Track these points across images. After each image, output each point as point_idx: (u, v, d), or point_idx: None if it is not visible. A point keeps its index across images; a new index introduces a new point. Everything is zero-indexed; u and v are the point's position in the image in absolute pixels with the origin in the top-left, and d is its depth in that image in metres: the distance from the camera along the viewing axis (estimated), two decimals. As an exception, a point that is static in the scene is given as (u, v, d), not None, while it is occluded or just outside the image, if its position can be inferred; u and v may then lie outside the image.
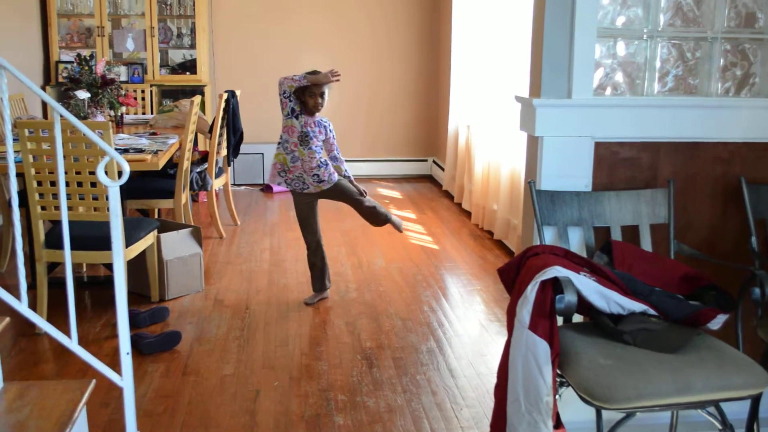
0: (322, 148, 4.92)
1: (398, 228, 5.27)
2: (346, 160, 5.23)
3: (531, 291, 2.70)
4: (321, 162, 4.89)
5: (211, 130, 6.58)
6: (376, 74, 9.38)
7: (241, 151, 7.01)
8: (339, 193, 5.02)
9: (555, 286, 2.69)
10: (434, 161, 9.58)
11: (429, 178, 9.58)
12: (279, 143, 4.93)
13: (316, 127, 4.89)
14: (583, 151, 3.36)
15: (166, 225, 5.32)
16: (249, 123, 8.64)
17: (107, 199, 3.00)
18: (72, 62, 7.47)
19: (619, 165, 3.44)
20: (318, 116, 4.92)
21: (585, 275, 2.76)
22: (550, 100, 3.34)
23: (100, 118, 6.04)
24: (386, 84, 9.43)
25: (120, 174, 2.86)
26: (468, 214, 7.52)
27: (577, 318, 3.12)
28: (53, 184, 4.26)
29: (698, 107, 3.47)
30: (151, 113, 7.97)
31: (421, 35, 9.42)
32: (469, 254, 6.23)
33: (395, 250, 6.32)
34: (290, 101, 4.83)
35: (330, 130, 5.00)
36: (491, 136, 6.68)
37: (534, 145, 3.42)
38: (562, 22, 3.33)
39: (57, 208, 4.25)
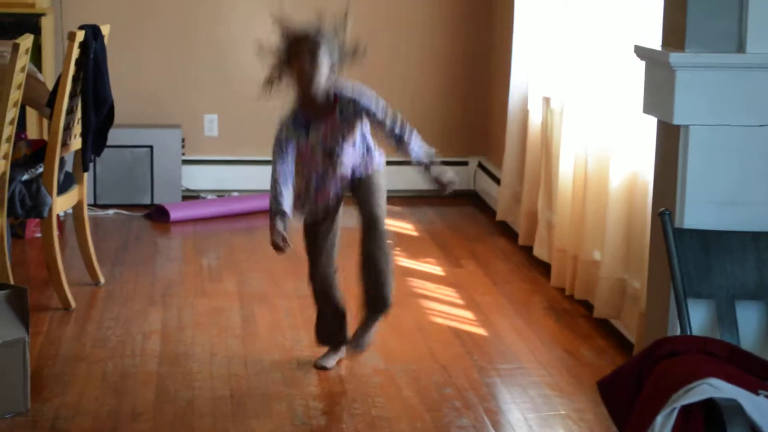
0: (361, 142, 5.48)
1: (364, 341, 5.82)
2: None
3: (664, 424, 2.70)
4: (363, 152, 5.52)
5: (52, 102, 6.60)
6: (379, 14, 9.40)
7: (109, 143, 7.02)
8: (367, 193, 5.58)
9: (709, 414, 2.68)
10: (482, 165, 9.63)
11: (471, 198, 9.63)
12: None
13: (341, 126, 5.38)
14: (768, 155, 3.37)
15: (-39, 283, 5.32)
16: (126, 90, 8.66)
17: None
18: None
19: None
20: (332, 97, 5.34)
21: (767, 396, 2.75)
22: (703, 55, 3.35)
23: None
24: (397, 29, 9.48)
25: None
26: (545, 268, 7.54)
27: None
28: None
29: None
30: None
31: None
32: (546, 347, 6.23)
33: (404, 336, 6.33)
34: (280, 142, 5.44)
35: (357, 112, 5.36)
36: (591, 118, 6.70)
37: (672, 142, 3.43)
38: None
39: None
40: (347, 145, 5.32)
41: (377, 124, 5.37)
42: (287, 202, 5.41)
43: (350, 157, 5.41)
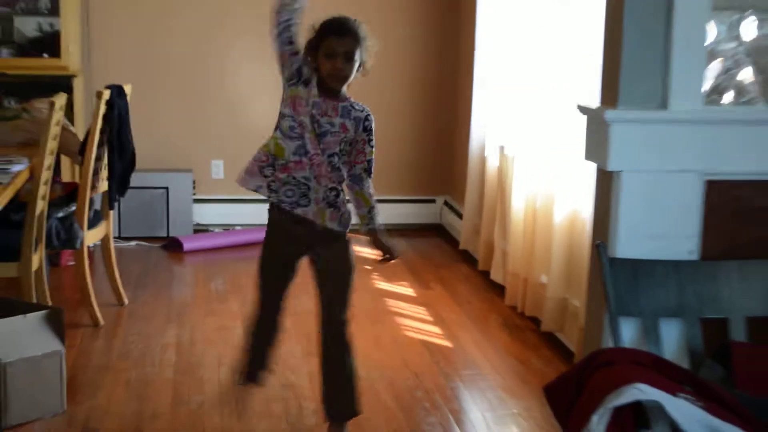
0: (343, 161, 4.70)
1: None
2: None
3: (598, 423, 2.72)
4: (340, 180, 4.70)
5: (82, 151, 6.60)
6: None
7: (131, 185, 7.02)
8: (339, 258, 4.83)
9: (637, 415, 2.71)
10: (447, 203, 9.64)
11: (438, 230, 9.63)
12: (275, 128, 4.69)
13: (337, 117, 4.61)
14: (687, 196, 3.40)
15: (6, 304, 5.31)
16: (145, 139, 8.67)
17: None
18: None
19: (746, 219, 3.47)
20: (347, 100, 4.67)
21: (686, 398, 2.77)
22: (633, 112, 3.38)
23: None
24: (371, 85, 9.47)
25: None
26: (500, 289, 7.54)
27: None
28: None
29: None
30: (-15, 120, 7.99)
31: (429, 18, 9.53)
32: (501, 356, 6.24)
33: (381, 348, 6.33)
34: (296, 57, 4.56)
35: (365, 128, 4.69)
36: (539, 164, 6.72)
37: (607, 184, 3.45)
38: (653, -14, 3.38)
39: None
40: (331, 136, 4.53)
41: (359, 151, 4.66)
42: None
43: (332, 153, 4.58)
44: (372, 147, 4.71)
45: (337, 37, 4.41)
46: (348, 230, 4.76)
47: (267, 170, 4.63)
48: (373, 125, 4.70)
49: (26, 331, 5.16)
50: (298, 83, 4.56)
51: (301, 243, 4.77)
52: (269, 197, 4.68)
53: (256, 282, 4.97)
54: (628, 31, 3.38)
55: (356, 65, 4.48)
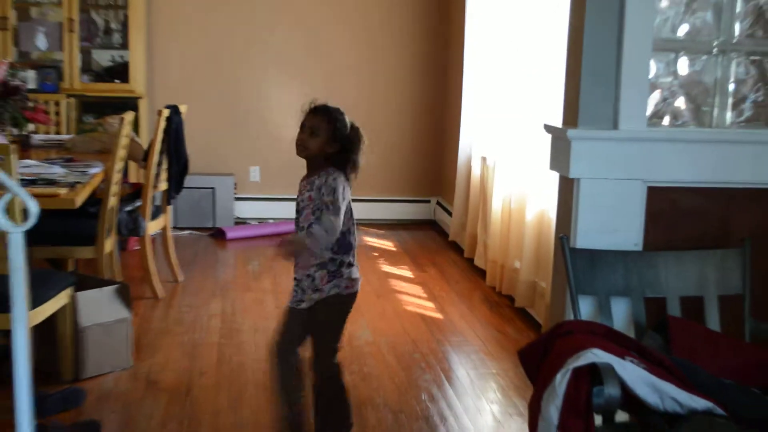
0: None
1: None
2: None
3: (561, 381, 2.72)
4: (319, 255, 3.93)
5: (146, 158, 6.61)
6: (362, 93, 9.43)
7: (185, 185, 7.03)
8: (322, 323, 4.05)
9: (592, 375, 2.71)
10: (439, 203, 9.63)
11: (432, 225, 9.62)
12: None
13: (306, 191, 3.99)
14: (633, 199, 3.40)
15: (85, 281, 5.32)
16: (196, 149, 8.68)
17: (7, 246, 3.02)
18: (-34, 64, 7.51)
19: (680, 217, 3.48)
20: (321, 175, 3.94)
21: (632, 361, 2.78)
22: (590, 131, 3.39)
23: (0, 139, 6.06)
24: (377, 104, 9.49)
25: (25, 215, 2.88)
26: (482, 273, 7.54)
27: (621, 417, 3.14)
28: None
29: (783, 144, 3.52)
30: (68, 133, 7.99)
31: (425, 46, 9.51)
32: (483, 326, 6.24)
33: (385, 319, 6.33)
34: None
35: (318, 187, 3.91)
36: (514, 173, 6.72)
37: (568, 189, 3.46)
38: (608, 30, 3.38)
39: (-59, 256, 4.26)
40: (305, 211, 3.92)
41: (312, 207, 3.89)
42: None
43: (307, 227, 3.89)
44: (325, 202, 3.86)
45: (309, 114, 3.91)
46: (327, 294, 3.99)
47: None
48: (332, 185, 3.88)
49: (100, 302, 5.17)
50: None
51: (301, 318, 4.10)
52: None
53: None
54: (586, 65, 3.38)
55: (320, 141, 3.86)
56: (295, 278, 3.99)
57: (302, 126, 3.91)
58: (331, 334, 4.07)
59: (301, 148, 3.88)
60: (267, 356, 4.17)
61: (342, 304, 4.02)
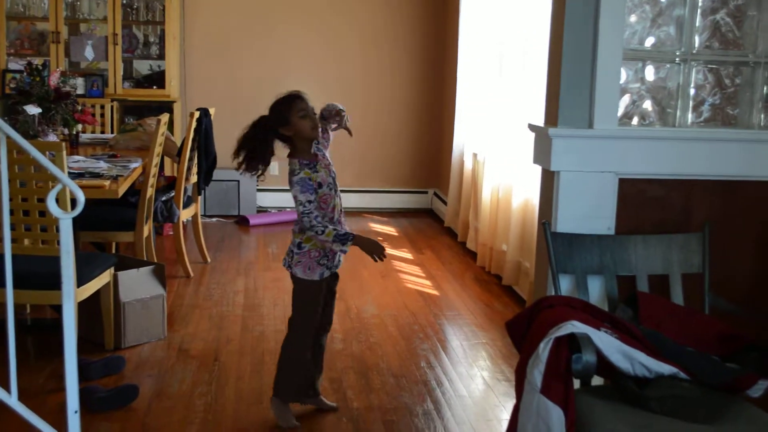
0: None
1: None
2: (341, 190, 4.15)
3: (543, 349, 2.71)
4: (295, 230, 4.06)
5: (179, 154, 6.60)
6: (369, 94, 9.42)
7: (213, 178, 7.02)
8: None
9: (571, 343, 2.70)
10: (435, 194, 9.61)
11: (429, 213, 9.60)
12: (303, 220, 3.90)
13: (331, 166, 3.98)
14: (606, 189, 3.38)
15: (125, 261, 5.32)
16: (223, 146, 8.58)
17: (57, 231, 3.01)
18: (21, 72, 7.48)
19: (647, 205, 3.46)
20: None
21: (606, 332, 2.77)
22: (568, 130, 3.37)
23: (52, 138, 6.05)
24: (382, 106, 9.47)
25: (74, 203, 2.87)
26: (473, 255, 7.53)
27: (597, 381, 3.13)
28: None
29: (738, 140, 3.50)
30: (112, 132, 7.99)
31: (423, 52, 9.48)
32: (474, 302, 6.23)
33: (389, 295, 6.31)
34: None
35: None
36: (501, 167, 6.71)
37: (549, 181, 3.44)
38: (584, 41, 3.36)
39: None
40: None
41: None
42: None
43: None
44: (298, 203, 3.89)
45: (304, 103, 3.85)
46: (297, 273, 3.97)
47: (325, 263, 4.01)
48: (293, 180, 3.89)
49: (139, 280, 5.16)
50: (302, 169, 3.97)
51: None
52: (328, 273, 4.03)
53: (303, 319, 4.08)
54: (565, 72, 3.37)
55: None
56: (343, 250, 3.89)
57: (311, 112, 3.88)
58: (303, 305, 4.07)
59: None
60: (286, 326, 4.16)
61: None
